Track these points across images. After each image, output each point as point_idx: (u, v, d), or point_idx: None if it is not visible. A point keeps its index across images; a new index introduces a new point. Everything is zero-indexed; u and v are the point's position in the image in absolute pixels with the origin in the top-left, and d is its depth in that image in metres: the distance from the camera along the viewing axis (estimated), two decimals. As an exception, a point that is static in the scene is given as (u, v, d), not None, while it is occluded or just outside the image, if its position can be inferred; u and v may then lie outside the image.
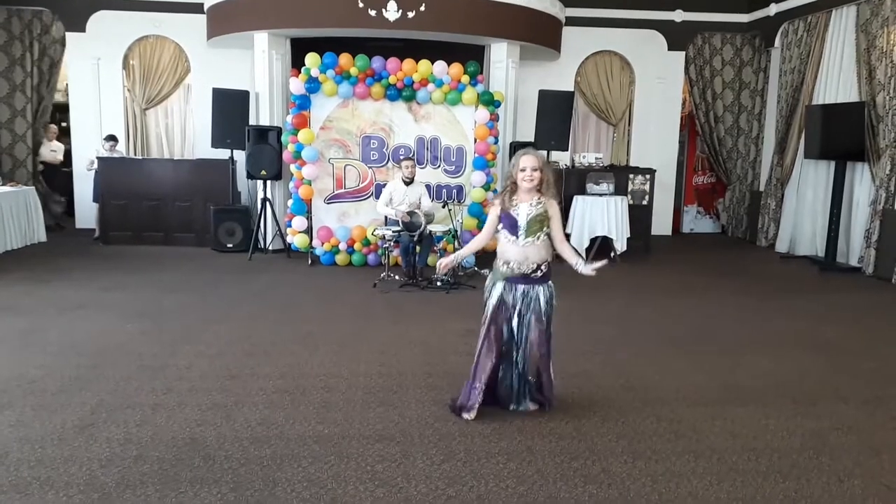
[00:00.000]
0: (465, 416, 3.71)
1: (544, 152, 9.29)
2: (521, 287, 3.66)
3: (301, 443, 3.40)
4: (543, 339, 3.71)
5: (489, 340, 3.69)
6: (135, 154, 10.54)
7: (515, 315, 3.67)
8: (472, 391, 3.74)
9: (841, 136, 8.55)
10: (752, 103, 11.33)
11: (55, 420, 3.59)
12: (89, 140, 10.29)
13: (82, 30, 10.32)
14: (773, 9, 10.43)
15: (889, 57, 8.00)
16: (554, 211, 3.69)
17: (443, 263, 3.89)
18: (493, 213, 3.76)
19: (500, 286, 3.68)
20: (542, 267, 3.67)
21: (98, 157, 9.40)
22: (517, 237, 3.63)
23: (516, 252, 3.63)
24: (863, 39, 8.46)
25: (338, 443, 3.41)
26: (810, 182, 9.65)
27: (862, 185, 8.68)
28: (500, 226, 3.70)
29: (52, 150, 10.52)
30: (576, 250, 4.30)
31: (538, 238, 3.63)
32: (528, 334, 3.70)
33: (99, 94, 10.46)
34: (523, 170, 3.59)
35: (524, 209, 3.62)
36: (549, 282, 3.73)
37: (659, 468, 3.23)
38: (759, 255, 9.98)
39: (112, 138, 9.63)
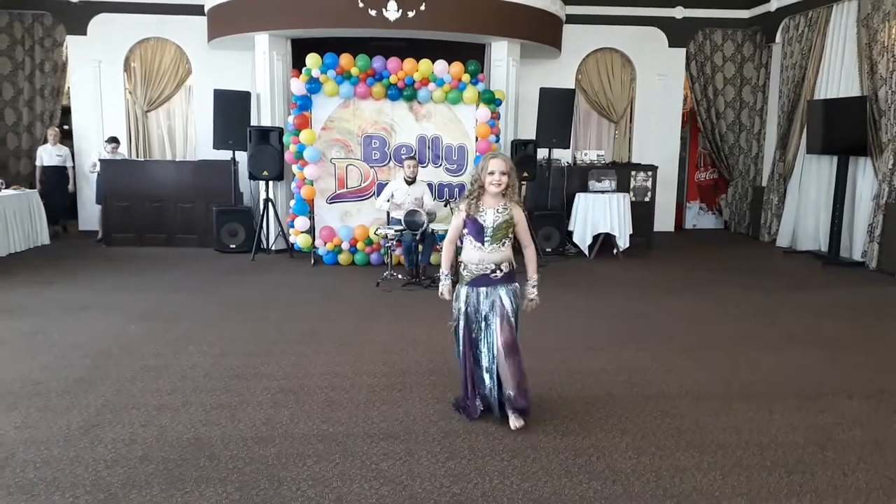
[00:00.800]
0: (468, 416, 3.71)
1: (550, 152, 9.31)
2: (483, 290, 3.56)
3: (305, 442, 3.41)
4: (510, 342, 3.54)
5: (468, 349, 3.63)
6: (137, 156, 10.56)
7: (483, 320, 3.57)
8: (473, 399, 3.69)
9: (843, 130, 8.53)
10: (754, 99, 11.32)
11: (60, 421, 3.60)
12: (91, 143, 10.33)
13: (83, 33, 10.34)
14: (773, 4, 10.41)
15: (891, 51, 7.98)
16: (519, 216, 3.59)
17: (447, 295, 3.71)
18: (458, 218, 3.64)
19: (464, 292, 3.61)
20: (503, 267, 3.55)
21: (100, 160, 9.43)
22: (483, 244, 3.53)
23: (478, 257, 3.55)
24: (864, 34, 8.45)
25: (342, 441, 3.42)
26: (813, 177, 9.63)
27: (865, 179, 8.67)
28: (465, 231, 3.60)
29: (57, 156, 9.95)
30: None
31: (503, 244, 3.55)
32: (495, 338, 3.54)
33: (100, 96, 10.48)
34: (492, 173, 3.49)
35: (490, 215, 3.53)
36: (515, 283, 3.61)
37: (663, 464, 3.23)
38: (761, 251, 9.97)
39: (114, 140, 9.66)
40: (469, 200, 3.59)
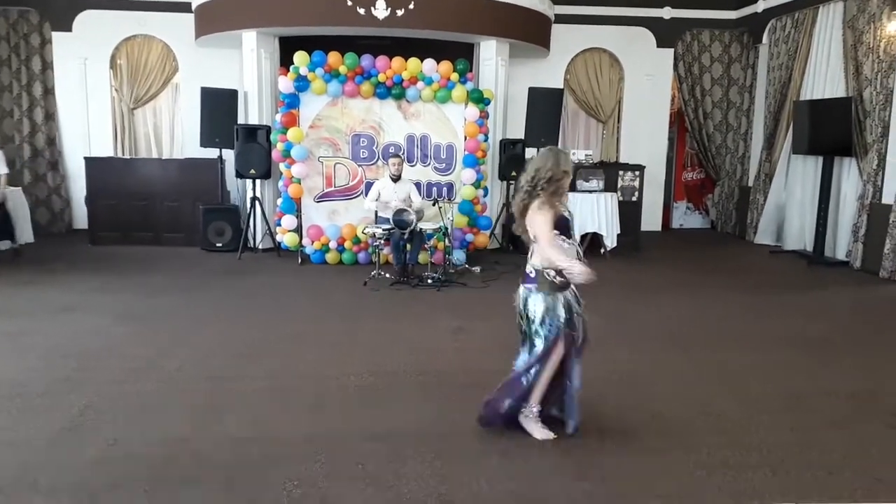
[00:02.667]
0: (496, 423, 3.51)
1: (538, 151, 9.32)
2: (570, 294, 3.47)
3: (291, 442, 3.39)
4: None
5: (556, 358, 3.45)
6: (123, 154, 10.47)
7: (580, 324, 3.48)
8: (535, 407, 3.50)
9: (828, 131, 8.59)
10: (741, 99, 11.38)
11: (43, 422, 3.55)
12: (77, 141, 10.22)
13: (69, 29, 10.23)
14: (760, 5, 10.47)
15: (875, 52, 8.04)
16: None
17: (582, 271, 3.25)
18: (548, 214, 3.29)
19: (562, 298, 3.40)
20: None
21: (85, 157, 9.34)
22: (570, 237, 3.39)
23: (570, 255, 3.32)
24: (849, 35, 8.51)
25: (328, 442, 3.40)
26: (798, 177, 9.70)
27: (849, 179, 8.73)
28: (556, 231, 3.31)
29: None
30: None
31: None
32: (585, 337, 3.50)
33: (86, 94, 10.36)
34: (567, 172, 3.33)
35: (567, 209, 3.40)
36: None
37: (650, 464, 3.24)
38: (748, 250, 10.02)
39: None
40: (555, 198, 3.33)
